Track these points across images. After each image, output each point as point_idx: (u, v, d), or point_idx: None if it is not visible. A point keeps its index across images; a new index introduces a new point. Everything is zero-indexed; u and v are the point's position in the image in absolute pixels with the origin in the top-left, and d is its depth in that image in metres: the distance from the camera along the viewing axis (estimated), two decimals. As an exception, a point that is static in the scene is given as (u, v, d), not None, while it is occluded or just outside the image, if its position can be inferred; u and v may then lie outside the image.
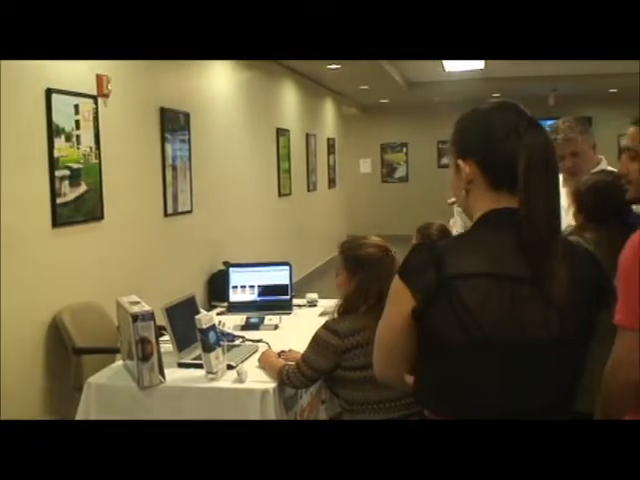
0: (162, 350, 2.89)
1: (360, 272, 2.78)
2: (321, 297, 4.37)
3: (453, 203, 3.64)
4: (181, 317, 3.18)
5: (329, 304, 3.75)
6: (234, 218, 7.09)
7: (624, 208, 2.46)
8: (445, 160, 14.04)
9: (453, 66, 10.25)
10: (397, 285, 1.48)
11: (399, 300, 1.48)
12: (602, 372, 1.80)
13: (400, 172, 15.64)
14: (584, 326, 1.50)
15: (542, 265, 1.42)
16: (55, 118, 4.08)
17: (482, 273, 1.43)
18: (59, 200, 4.12)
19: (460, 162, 1.54)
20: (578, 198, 2.59)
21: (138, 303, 2.89)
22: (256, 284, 4.25)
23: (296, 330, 3.63)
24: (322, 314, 3.83)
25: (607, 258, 1.76)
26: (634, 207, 2.42)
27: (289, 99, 9.45)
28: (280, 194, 8.79)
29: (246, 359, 3.16)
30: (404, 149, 15.54)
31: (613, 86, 12.71)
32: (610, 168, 2.87)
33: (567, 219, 2.71)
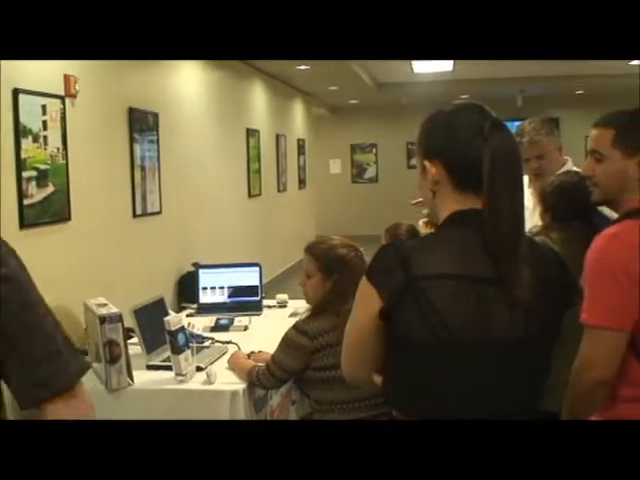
0: (130, 352, 2.87)
1: (336, 274, 2.78)
2: (291, 298, 4.36)
3: (417, 203, 3.66)
4: (150, 319, 3.16)
5: (299, 305, 3.75)
6: (204, 219, 7.06)
7: (590, 208, 2.49)
8: (414, 161, 14.09)
9: (422, 67, 10.29)
10: (365, 285, 1.49)
11: (367, 300, 1.48)
12: (569, 371, 1.83)
13: (370, 173, 15.70)
14: (550, 326, 1.51)
15: (507, 265, 1.43)
16: (22, 119, 4.02)
17: (449, 274, 1.44)
18: (26, 201, 4.07)
19: (426, 163, 1.55)
20: (544, 199, 2.62)
21: (106, 305, 2.87)
22: (226, 285, 4.24)
23: (266, 331, 3.63)
24: (292, 315, 3.83)
25: (573, 258, 1.78)
26: (600, 207, 2.44)
27: (259, 100, 9.43)
28: (250, 195, 8.77)
29: (215, 360, 3.15)
30: (374, 150, 15.59)
31: (580, 87, 12.87)
32: (575, 169, 2.90)
33: (533, 220, 2.74)
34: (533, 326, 1.47)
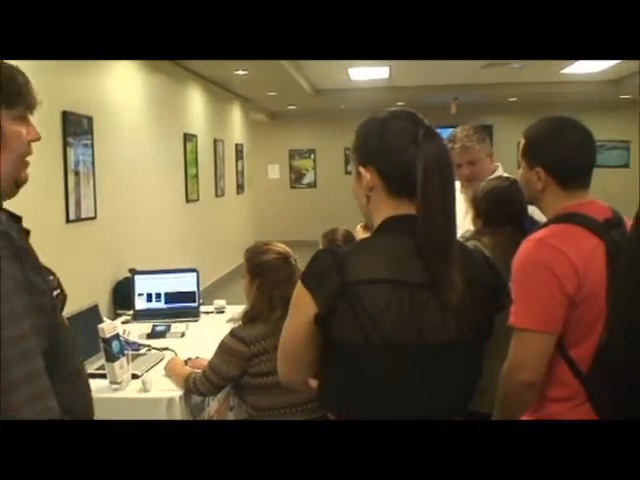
0: (64, 360, 2.81)
1: (258, 278, 2.80)
2: (229, 303, 4.35)
3: None
4: (83, 326, 3.11)
5: (237, 310, 3.74)
6: (140, 224, 6.97)
7: (520, 213, 2.55)
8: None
9: (358, 74, 10.37)
10: (300, 290, 1.50)
11: (302, 305, 1.49)
12: (500, 373, 1.87)
13: (308, 178, 15.74)
14: (481, 328, 1.54)
15: (439, 270, 1.45)
16: (-51, 121, 3.92)
17: (383, 279, 1.45)
18: (-46, 206, 3.96)
19: (361, 169, 1.56)
20: (476, 204, 2.66)
21: (38, 312, 2.81)
22: (163, 291, 4.20)
23: (203, 337, 3.61)
24: (230, 320, 3.81)
25: (504, 262, 1.83)
26: (530, 209, 2.51)
27: (196, 104, 9.36)
28: (188, 200, 8.70)
29: (152, 368, 3.12)
30: (312, 155, 15.64)
31: (513, 95, 13.14)
32: (506, 175, 2.97)
33: (464, 224, 2.78)
34: (464, 329, 1.49)
